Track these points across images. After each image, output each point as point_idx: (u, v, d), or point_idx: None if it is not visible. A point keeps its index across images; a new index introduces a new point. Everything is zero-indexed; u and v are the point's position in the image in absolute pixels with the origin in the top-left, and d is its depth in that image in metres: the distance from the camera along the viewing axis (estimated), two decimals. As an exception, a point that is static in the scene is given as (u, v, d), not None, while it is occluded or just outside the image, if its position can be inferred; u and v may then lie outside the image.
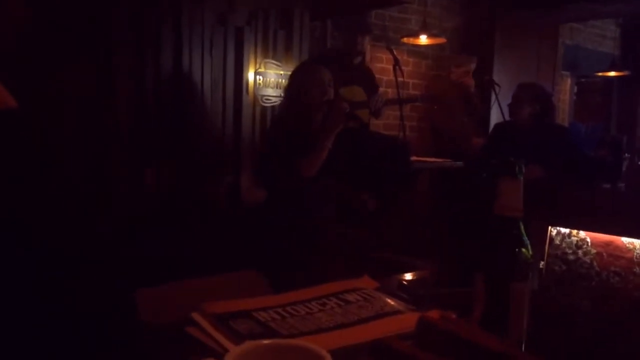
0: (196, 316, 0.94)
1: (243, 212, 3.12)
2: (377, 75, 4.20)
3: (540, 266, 0.96)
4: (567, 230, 0.98)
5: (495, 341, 0.64)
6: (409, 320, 0.89)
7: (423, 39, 4.33)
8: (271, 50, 3.40)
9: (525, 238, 0.82)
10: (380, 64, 4.59)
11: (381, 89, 4.35)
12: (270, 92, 3.39)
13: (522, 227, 0.82)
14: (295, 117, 2.60)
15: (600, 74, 6.07)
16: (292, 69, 3.42)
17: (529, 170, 0.83)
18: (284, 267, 2.47)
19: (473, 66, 4.52)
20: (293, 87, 2.64)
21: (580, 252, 0.97)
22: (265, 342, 0.65)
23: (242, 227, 2.91)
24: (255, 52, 3.33)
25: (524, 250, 0.81)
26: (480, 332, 0.64)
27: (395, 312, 0.95)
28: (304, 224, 2.60)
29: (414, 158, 3.77)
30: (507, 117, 3.57)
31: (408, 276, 1.24)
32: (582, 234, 0.98)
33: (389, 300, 1.00)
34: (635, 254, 0.94)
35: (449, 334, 0.63)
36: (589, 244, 0.97)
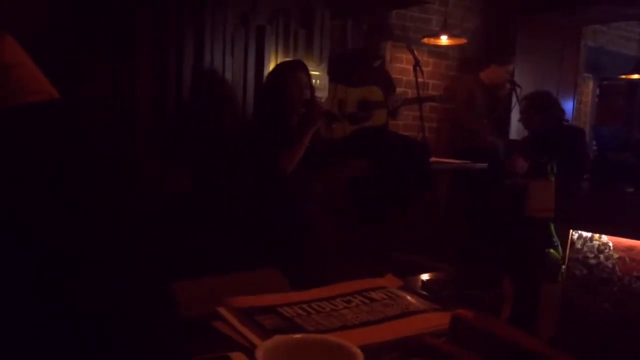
0: (222, 311, 0.95)
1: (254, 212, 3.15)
2: (397, 76, 4.19)
3: (562, 270, 0.95)
4: (588, 234, 0.98)
5: (532, 340, 0.63)
6: (434, 319, 0.90)
7: (444, 40, 4.32)
8: (292, 50, 3.41)
9: (556, 239, 0.82)
10: (401, 64, 4.58)
11: (401, 90, 4.34)
12: (290, 91, 3.41)
13: (552, 228, 0.82)
14: (274, 115, 2.74)
15: (623, 76, 5.98)
16: (312, 69, 3.43)
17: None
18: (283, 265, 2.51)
19: (512, 67, 4.46)
20: (272, 87, 2.81)
21: (602, 256, 0.96)
22: (296, 336, 0.66)
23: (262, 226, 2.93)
24: (276, 52, 3.35)
25: (553, 251, 0.81)
26: (515, 330, 0.64)
27: (421, 311, 0.96)
28: (290, 222, 2.70)
29: (433, 159, 3.75)
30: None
31: (431, 276, 1.24)
32: (604, 238, 0.97)
33: (413, 300, 1.01)
34: (660, 258, 0.93)
35: (484, 332, 0.63)
36: (611, 248, 0.96)
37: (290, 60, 3.13)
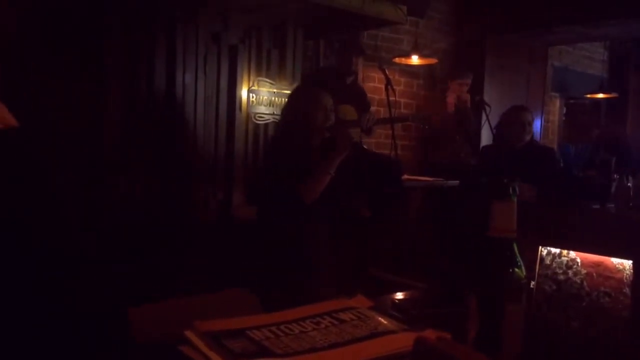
0: (189, 335, 0.93)
1: (234, 228, 3.12)
2: (369, 95, 4.24)
3: (531, 286, 0.96)
4: (557, 251, 0.99)
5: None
6: (402, 340, 0.89)
7: (415, 59, 4.39)
8: (264, 69, 3.42)
9: (519, 258, 0.83)
10: (373, 83, 4.63)
11: (373, 108, 4.38)
12: (263, 109, 3.41)
13: (515, 247, 0.83)
14: (295, 141, 2.55)
15: (588, 95, 6.16)
16: (285, 87, 3.45)
17: (521, 190, 0.84)
18: (274, 285, 2.47)
19: (469, 81, 4.55)
20: (295, 110, 2.60)
21: (570, 272, 0.98)
22: (261, 361, 0.65)
23: (232, 243, 2.90)
24: (249, 70, 3.36)
25: (517, 270, 0.82)
26: (476, 354, 0.65)
27: (389, 332, 0.95)
28: (298, 245, 2.61)
29: (405, 177, 3.78)
30: (497, 138, 3.63)
31: (401, 295, 1.25)
32: (573, 254, 0.99)
33: (382, 320, 1.00)
34: (625, 274, 0.95)
35: (446, 357, 0.63)
36: (579, 264, 0.98)
37: (313, 86, 2.96)
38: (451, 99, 4.51)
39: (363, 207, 3.20)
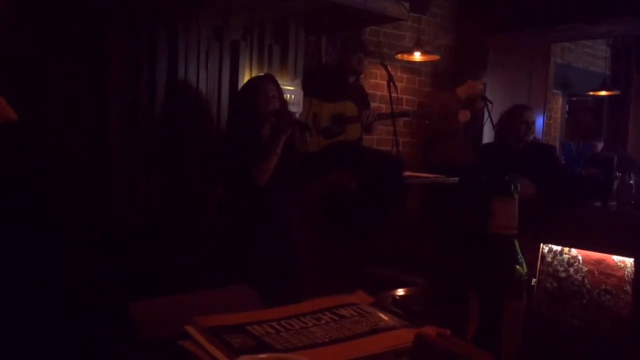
0: (190, 329, 0.93)
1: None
2: (371, 91, 4.23)
3: (532, 283, 0.96)
4: (558, 248, 0.99)
5: None
6: (403, 336, 0.89)
7: (417, 56, 4.39)
8: (266, 65, 3.42)
9: (520, 255, 0.83)
10: (375, 79, 4.62)
11: (375, 105, 4.37)
12: (264, 105, 3.41)
13: (516, 244, 0.83)
14: (245, 128, 2.77)
15: (591, 93, 6.14)
16: (286, 83, 3.45)
17: (522, 188, 0.84)
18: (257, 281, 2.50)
19: (485, 80, 4.57)
20: (241, 101, 2.86)
21: (571, 269, 0.98)
22: (262, 356, 0.65)
23: (232, 238, 2.91)
24: (251, 67, 3.35)
25: (518, 267, 0.82)
26: (476, 351, 0.65)
27: (390, 328, 0.95)
28: (265, 237, 2.71)
29: (406, 173, 3.78)
30: (498, 137, 3.63)
31: (402, 292, 1.25)
32: (574, 251, 0.99)
33: (383, 316, 1.00)
34: (626, 272, 0.95)
35: (446, 353, 0.63)
36: (581, 261, 0.98)
37: (259, 75, 3.15)
38: (462, 93, 4.49)
39: (348, 181, 3.33)
